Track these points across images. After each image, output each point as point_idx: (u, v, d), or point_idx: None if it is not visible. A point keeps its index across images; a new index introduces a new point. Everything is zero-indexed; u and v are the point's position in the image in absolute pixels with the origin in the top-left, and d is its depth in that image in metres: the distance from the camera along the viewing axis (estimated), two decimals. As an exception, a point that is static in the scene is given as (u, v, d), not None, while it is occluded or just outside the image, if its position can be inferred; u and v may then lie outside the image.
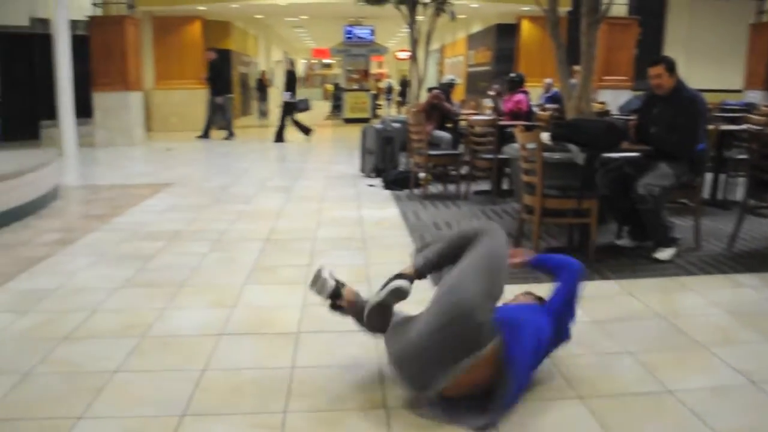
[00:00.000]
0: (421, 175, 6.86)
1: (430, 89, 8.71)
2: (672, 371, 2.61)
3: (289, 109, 12.76)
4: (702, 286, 3.71)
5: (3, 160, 6.03)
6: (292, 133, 12.86)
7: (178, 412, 2.27)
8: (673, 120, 4.17)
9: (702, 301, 3.49)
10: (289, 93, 12.68)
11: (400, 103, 23.46)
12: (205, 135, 13.15)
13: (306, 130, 12.83)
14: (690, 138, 4.17)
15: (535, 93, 11.85)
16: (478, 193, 6.76)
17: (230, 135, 13.28)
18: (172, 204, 6.25)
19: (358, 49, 18.27)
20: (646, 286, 3.71)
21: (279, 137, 12.64)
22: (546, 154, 4.07)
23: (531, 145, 4.10)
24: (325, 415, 2.28)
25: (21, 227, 5.17)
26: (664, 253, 4.17)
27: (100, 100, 11.95)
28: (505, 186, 6.70)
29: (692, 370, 2.64)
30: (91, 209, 6.16)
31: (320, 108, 22.16)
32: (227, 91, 13.81)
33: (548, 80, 11.19)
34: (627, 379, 2.56)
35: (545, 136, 4.34)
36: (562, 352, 2.62)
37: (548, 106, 8.94)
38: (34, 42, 12.65)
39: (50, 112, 11.26)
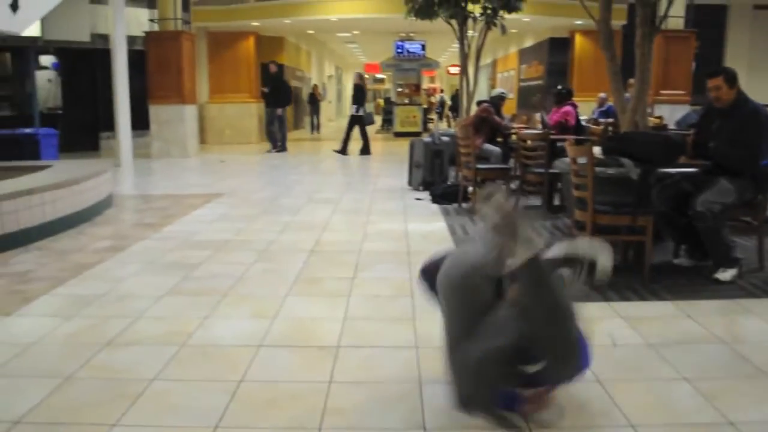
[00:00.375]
0: (470, 189, 6.75)
1: (479, 102, 8.59)
2: (733, 401, 2.43)
3: (356, 122, 12.86)
4: (766, 309, 3.49)
5: (61, 169, 6.21)
6: (353, 144, 12.86)
7: (212, 423, 2.23)
8: (735, 134, 3.96)
9: (766, 326, 3.28)
10: (356, 106, 12.81)
11: (451, 118, 23.36)
12: (343, 151, 12.77)
13: (344, 149, 12.76)
14: (753, 153, 3.95)
15: (588, 107, 11.63)
16: (528, 208, 6.61)
17: (281, 148, 13.42)
18: (222, 214, 6.32)
19: (408, 63, 18.26)
20: (705, 308, 3.51)
21: (343, 149, 12.71)
22: (598, 169, 3.92)
23: (582, 160, 3.96)
24: (361, 433, 2.21)
25: (76, 233, 5.31)
26: (726, 274, 3.94)
27: (157, 112, 12.25)
28: (556, 201, 6.53)
29: (755, 400, 2.46)
30: (143, 218, 6.26)
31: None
32: (287, 103, 13.99)
33: (602, 95, 10.93)
34: (683, 407, 2.40)
35: (597, 150, 4.19)
36: (613, 376, 2.48)
37: (601, 120, 8.70)
38: (95, 57, 13.11)
39: (109, 124, 11.61)
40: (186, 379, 2.61)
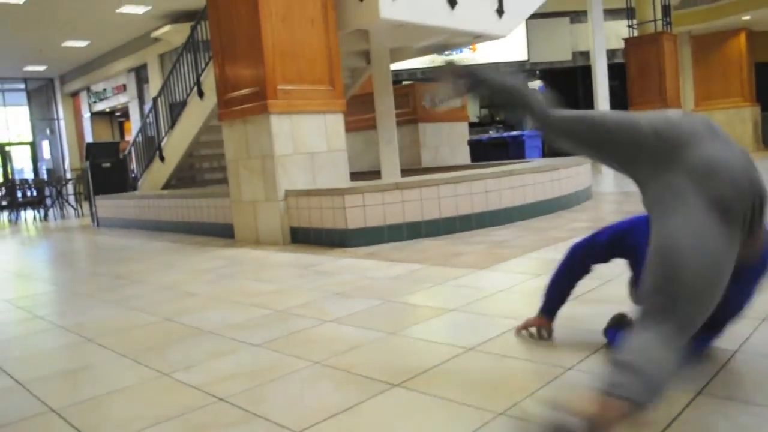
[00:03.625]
0: None
1: None
2: None
3: None
4: None
5: (544, 163, 6.43)
6: None
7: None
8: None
9: None
10: None
11: None
12: None
13: None
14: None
15: None
16: None
17: None
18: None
19: None
20: None
21: None
22: None
23: None
24: None
25: (554, 217, 5.45)
26: None
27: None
28: None
29: None
30: (620, 207, 6.04)
31: None
32: None
33: None
34: None
35: None
36: None
37: None
38: (575, 73, 13.53)
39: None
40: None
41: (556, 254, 3.68)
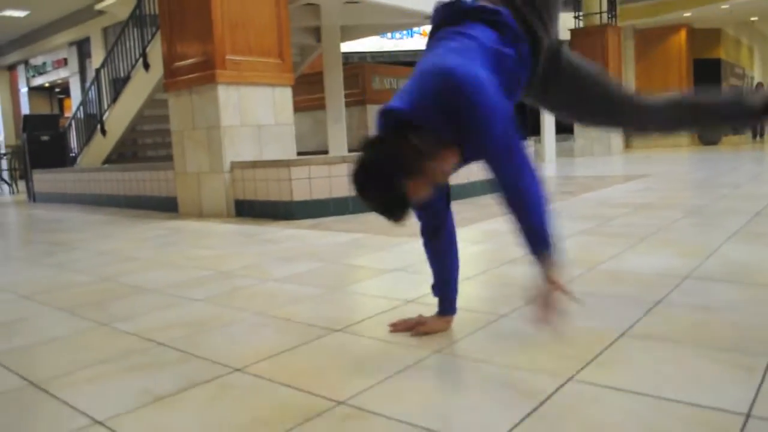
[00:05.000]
0: None
1: None
2: None
3: None
4: None
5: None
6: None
7: (623, 328, 1.81)
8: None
9: None
10: None
11: None
12: None
13: None
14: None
15: None
16: None
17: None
18: (645, 187, 5.80)
19: None
20: None
21: None
22: None
23: None
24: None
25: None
26: None
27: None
28: None
29: None
30: (562, 188, 6.21)
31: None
32: None
33: None
34: None
35: None
36: None
37: None
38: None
39: (535, 130, 12.02)
40: (594, 294, 2.24)
41: (497, 226, 3.80)
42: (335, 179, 4.83)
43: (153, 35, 7.57)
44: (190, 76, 5.43)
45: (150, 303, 2.47)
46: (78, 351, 1.93)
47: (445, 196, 1.86)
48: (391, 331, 1.91)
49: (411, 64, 11.23)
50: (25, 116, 9.62)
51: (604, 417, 1.27)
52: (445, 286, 1.92)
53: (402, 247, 3.37)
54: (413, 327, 1.89)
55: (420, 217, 1.89)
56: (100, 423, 1.39)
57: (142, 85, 7.88)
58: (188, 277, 2.92)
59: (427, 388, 1.49)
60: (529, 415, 1.29)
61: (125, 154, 9.32)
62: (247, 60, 5.37)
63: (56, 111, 19.78)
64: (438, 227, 1.89)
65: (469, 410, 1.34)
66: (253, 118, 5.43)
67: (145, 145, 9.74)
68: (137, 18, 7.96)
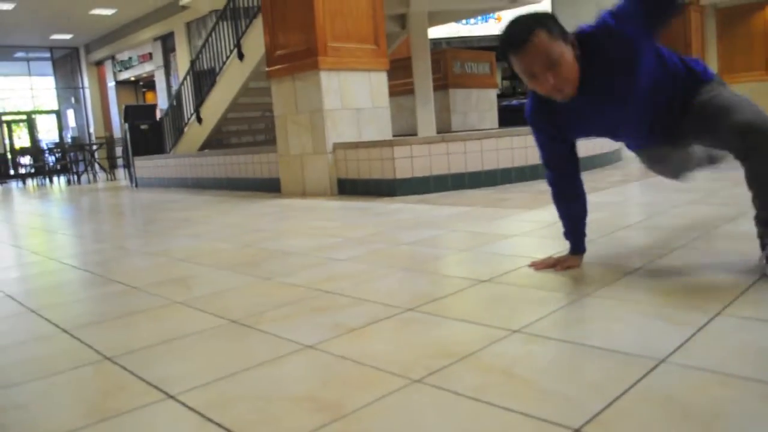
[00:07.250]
0: None
1: None
2: None
3: None
4: None
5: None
6: None
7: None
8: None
9: None
10: None
11: None
12: None
13: None
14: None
15: None
16: None
17: None
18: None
19: None
20: None
21: None
22: None
23: None
24: None
25: (591, 173, 5.60)
26: None
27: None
28: None
29: None
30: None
31: None
32: None
33: None
34: None
35: None
36: None
37: None
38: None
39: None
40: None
41: (597, 198, 3.93)
42: (435, 157, 5.05)
43: (247, 26, 7.96)
44: (293, 63, 5.75)
45: (299, 263, 2.75)
46: (257, 297, 2.22)
47: (571, 147, 2.17)
48: (536, 270, 2.19)
49: (485, 48, 11.30)
50: (126, 106, 10.24)
51: (759, 341, 1.44)
52: (576, 229, 2.23)
53: (514, 217, 3.55)
54: (554, 264, 2.21)
55: (550, 170, 2.22)
56: (311, 347, 1.65)
57: (236, 75, 8.30)
58: (322, 244, 3.20)
59: (587, 317, 1.70)
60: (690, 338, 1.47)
61: (211, 141, 9.80)
62: (346, 47, 5.64)
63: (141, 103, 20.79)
64: (564, 176, 2.21)
65: (635, 333, 1.53)
66: (352, 101, 5.71)
67: (229, 132, 10.19)
68: (231, 10, 8.37)
